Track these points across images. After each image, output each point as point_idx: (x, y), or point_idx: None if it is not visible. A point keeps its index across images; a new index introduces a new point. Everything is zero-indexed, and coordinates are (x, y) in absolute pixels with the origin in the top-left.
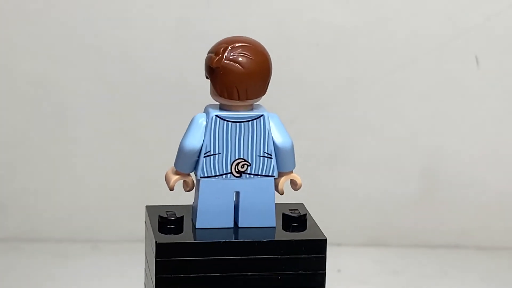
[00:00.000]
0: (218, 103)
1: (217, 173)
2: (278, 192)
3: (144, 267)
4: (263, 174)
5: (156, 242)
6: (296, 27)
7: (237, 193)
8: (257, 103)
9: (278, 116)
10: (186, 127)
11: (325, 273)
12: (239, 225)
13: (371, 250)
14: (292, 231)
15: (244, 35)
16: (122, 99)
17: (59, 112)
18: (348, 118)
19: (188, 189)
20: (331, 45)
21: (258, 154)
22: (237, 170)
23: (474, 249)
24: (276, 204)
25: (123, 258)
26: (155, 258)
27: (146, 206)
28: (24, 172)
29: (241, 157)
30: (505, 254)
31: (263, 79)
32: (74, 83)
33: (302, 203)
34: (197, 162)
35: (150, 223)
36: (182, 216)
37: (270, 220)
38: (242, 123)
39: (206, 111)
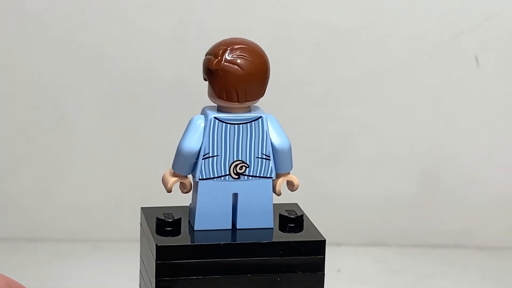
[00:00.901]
0: (216, 104)
1: (216, 175)
2: (276, 193)
3: (139, 268)
4: (261, 175)
5: (156, 245)
6: (296, 27)
7: (235, 195)
8: (254, 104)
9: (276, 116)
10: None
11: (324, 273)
12: (237, 227)
13: (371, 250)
14: (290, 232)
15: (241, 37)
16: (122, 99)
17: (59, 112)
18: (348, 118)
19: (185, 191)
20: (331, 45)
21: (256, 155)
22: (235, 171)
23: (474, 249)
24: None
25: (123, 257)
26: (156, 261)
27: (141, 207)
28: (24, 172)
29: (240, 158)
30: (505, 254)
31: (261, 81)
32: (74, 83)
33: (296, 203)
34: (195, 164)
35: (147, 225)
36: (180, 218)
37: (268, 221)
38: (241, 125)
39: (204, 112)
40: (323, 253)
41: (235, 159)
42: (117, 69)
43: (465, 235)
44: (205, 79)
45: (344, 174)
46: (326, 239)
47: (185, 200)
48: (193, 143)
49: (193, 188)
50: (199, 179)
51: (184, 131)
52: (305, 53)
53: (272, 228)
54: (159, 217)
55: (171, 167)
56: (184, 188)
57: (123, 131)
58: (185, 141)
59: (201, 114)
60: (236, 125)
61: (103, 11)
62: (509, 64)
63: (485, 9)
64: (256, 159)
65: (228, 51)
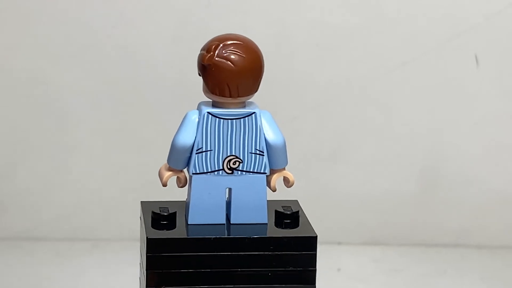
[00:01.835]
0: (211, 100)
1: (209, 170)
2: (271, 189)
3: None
4: (255, 171)
5: (147, 237)
6: (296, 27)
7: (230, 190)
8: (250, 100)
9: (276, 116)
10: None
11: (315, 270)
12: (231, 222)
13: (371, 249)
14: (285, 228)
15: (237, 33)
16: (122, 98)
17: (59, 112)
18: (348, 117)
19: (181, 185)
20: (331, 45)
21: (250, 151)
22: (229, 166)
23: (474, 248)
24: (271, 201)
25: (123, 257)
26: (146, 254)
27: (141, 201)
28: (24, 172)
29: (233, 154)
30: (505, 254)
31: (254, 76)
32: (74, 82)
33: (296, 200)
34: (189, 158)
35: (144, 219)
36: (175, 212)
37: (262, 216)
38: (234, 120)
39: (199, 108)
40: (315, 249)
41: (228, 154)
42: (117, 69)
43: (465, 234)
44: (199, 75)
45: (344, 173)
46: (325, 237)
47: (185, 196)
48: (186, 137)
49: (188, 183)
50: (193, 174)
51: (179, 125)
52: (305, 53)
53: (266, 223)
54: (154, 211)
55: (166, 161)
56: (179, 183)
57: (123, 131)
58: (179, 136)
59: (197, 109)
60: (229, 120)
61: (103, 10)
62: (509, 64)
63: (485, 9)
64: (249, 154)
65: (221, 46)
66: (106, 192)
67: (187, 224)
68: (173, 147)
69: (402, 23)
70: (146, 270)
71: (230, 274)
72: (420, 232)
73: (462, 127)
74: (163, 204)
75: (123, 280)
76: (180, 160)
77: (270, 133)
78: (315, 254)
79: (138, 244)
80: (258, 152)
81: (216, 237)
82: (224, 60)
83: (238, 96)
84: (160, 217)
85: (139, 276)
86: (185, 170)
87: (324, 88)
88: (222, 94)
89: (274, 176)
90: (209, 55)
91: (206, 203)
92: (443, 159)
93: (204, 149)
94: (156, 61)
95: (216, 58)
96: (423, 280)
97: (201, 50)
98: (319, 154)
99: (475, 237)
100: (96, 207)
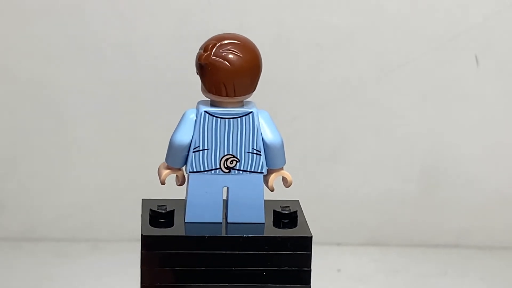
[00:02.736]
0: (209, 99)
1: (206, 168)
2: (268, 189)
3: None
4: (252, 170)
5: (141, 234)
6: (296, 27)
7: (227, 189)
8: (248, 100)
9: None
10: None
11: (310, 270)
12: (228, 221)
13: (371, 249)
14: (282, 228)
15: (235, 33)
16: (122, 98)
17: (59, 111)
18: (348, 117)
19: (179, 183)
20: (331, 45)
21: (247, 150)
22: (226, 166)
23: (474, 248)
24: (271, 200)
25: (123, 257)
26: (141, 251)
27: (142, 199)
28: (24, 172)
29: (230, 153)
30: (505, 254)
31: (251, 76)
32: (73, 82)
33: (297, 200)
34: (186, 157)
35: (143, 216)
36: (173, 210)
37: (259, 216)
38: (231, 119)
39: (197, 107)
40: (310, 249)
41: (225, 153)
42: (117, 69)
43: (465, 234)
44: (197, 74)
45: (344, 173)
46: (325, 237)
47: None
48: (183, 136)
49: (186, 181)
50: (190, 172)
51: (177, 124)
52: (305, 53)
53: (263, 223)
54: (152, 208)
55: (164, 160)
56: (178, 181)
57: (123, 131)
58: (176, 134)
59: (196, 108)
60: (226, 119)
61: (103, 10)
62: (509, 64)
63: (485, 9)
64: (246, 153)
65: (218, 45)
66: (106, 192)
67: (184, 222)
68: (171, 145)
69: (402, 23)
70: (141, 266)
71: (225, 272)
72: (420, 232)
73: (462, 127)
74: (162, 202)
75: (123, 280)
76: (178, 158)
77: (268, 133)
78: (310, 254)
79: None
80: (255, 151)
81: (210, 236)
82: (221, 60)
83: (235, 96)
84: (158, 214)
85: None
86: (183, 168)
87: (324, 88)
88: (218, 94)
89: (272, 176)
90: (206, 54)
91: (203, 202)
92: (443, 159)
93: (201, 148)
94: (156, 61)
95: (212, 57)
96: (423, 281)
97: (199, 50)
98: (319, 154)
99: (475, 237)
100: (96, 207)
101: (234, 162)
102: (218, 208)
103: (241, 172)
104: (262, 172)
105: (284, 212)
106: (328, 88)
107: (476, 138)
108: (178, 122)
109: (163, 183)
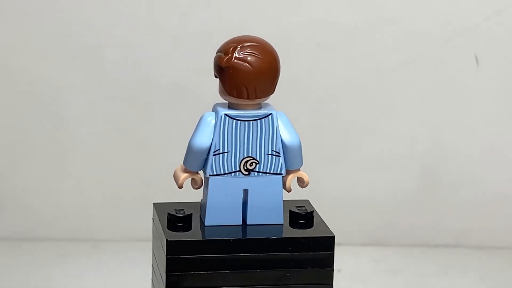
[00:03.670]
0: (226, 101)
1: (226, 171)
2: (286, 190)
3: (151, 263)
4: (271, 172)
5: (167, 240)
6: (296, 27)
7: (246, 191)
8: (265, 101)
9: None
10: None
11: (332, 269)
12: (247, 223)
13: (371, 249)
14: (300, 228)
15: (252, 35)
16: (122, 98)
17: (58, 112)
18: (348, 118)
19: (196, 186)
20: (331, 45)
21: (266, 152)
22: (245, 168)
23: (474, 249)
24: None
25: (123, 257)
26: (166, 256)
27: (153, 203)
28: (23, 172)
29: (250, 155)
30: (505, 254)
31: (271, 78)
32: (73, 83)
33: (308, 200)
34: (206, 160)
35: (159, 221)
36: (191, 214)
37: (278, 217)
38: (251, 122)
39: (214, 109)
40: (332, 249)
41: (245, 156)
42: (117, 69)
43: (465, 234)
44: (216, 76)
45: (344, 173)
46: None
47: (188, 198)
48: (203, 139)
49: (204, 184)
50: (210, 175)
51: (195, 127)
52: (305, 53)
53: (282, 224)
54: (170, 212)
55: (182, 163)
56: (195, 184)
57: (123, 131)
58: (196, 138)
59: (212, 111)
60: (246, 122)
61: (103, 11)
62: (509, 64)
63: (485, 9)
64: (266, 155)
65: (239, 48)
66: (106, 192)
67: (203, 226)
68: (190, 149)
69: (402, 23)
70: (166, 272)
71: (248, 275)
72: (420, 232)
73: (462, 127)
74: (177, 206)
75: (123, 280)
76: (197, 162)
77: (286, 134)
78: (333, 254)
79: (138, 244)
80: (274, 153)
81: (235, 239)
82: (242, 62)
83: (256, 98)
84: (176, 218)
85: (151, 278)
86: (200, 171)
87: (324, 88)
88: (239, 96)
89: (290, 177)
90: (227, 57)
91: (223, 205)
92: (443, 159)
93: (221, 151)
94: (156, 61)
95: (234, 60)
96: (423, 281)
97: (217, 52)
98: (319, 154)
99: (475, 237)
100: (96, 207)
101: (254, 164)
102: (237, 210)
103: (260, 174)
104: (281, 174)
105: (300, 212)
106: (328, 88)
107: (476, 138)
108: (196, 126)
109: (180, 187)
